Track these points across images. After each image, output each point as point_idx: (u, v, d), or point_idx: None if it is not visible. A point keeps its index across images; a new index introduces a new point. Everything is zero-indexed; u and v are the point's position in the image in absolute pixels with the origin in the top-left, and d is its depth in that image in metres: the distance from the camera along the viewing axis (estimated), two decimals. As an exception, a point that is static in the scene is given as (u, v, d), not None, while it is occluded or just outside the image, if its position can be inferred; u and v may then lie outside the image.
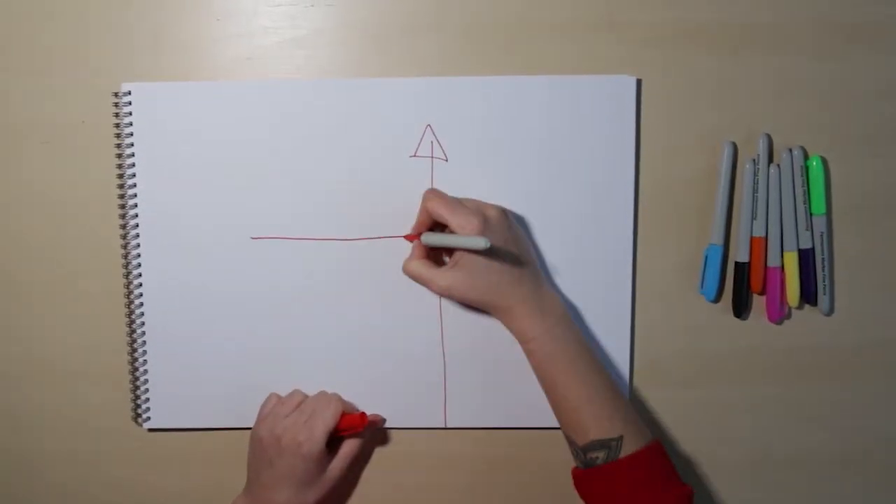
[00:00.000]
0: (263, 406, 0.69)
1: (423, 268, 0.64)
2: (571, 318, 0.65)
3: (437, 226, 0.65)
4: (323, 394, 0.69)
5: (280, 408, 0.67)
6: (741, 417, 0.71)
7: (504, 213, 0.64)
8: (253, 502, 0.66)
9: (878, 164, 0.69)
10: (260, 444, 0.66)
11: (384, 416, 0.71)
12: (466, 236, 0.60)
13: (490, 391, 0.70)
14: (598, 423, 0.60)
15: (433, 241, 0.64)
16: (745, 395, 0.71)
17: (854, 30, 0.67)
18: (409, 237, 0.67)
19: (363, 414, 0.68)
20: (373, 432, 0.71)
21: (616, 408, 0.61)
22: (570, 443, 0.63)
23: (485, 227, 0.61)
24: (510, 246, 0.63)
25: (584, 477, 0.62)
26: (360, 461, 0.71)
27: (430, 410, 0.70)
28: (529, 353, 0.64)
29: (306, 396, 0.69)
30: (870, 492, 0.73)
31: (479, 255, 0.61)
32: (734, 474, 0.72)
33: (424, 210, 0.64)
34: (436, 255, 0.67)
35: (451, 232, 0.62)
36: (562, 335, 0.63)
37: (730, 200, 0.68)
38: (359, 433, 0.68)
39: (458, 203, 0.63)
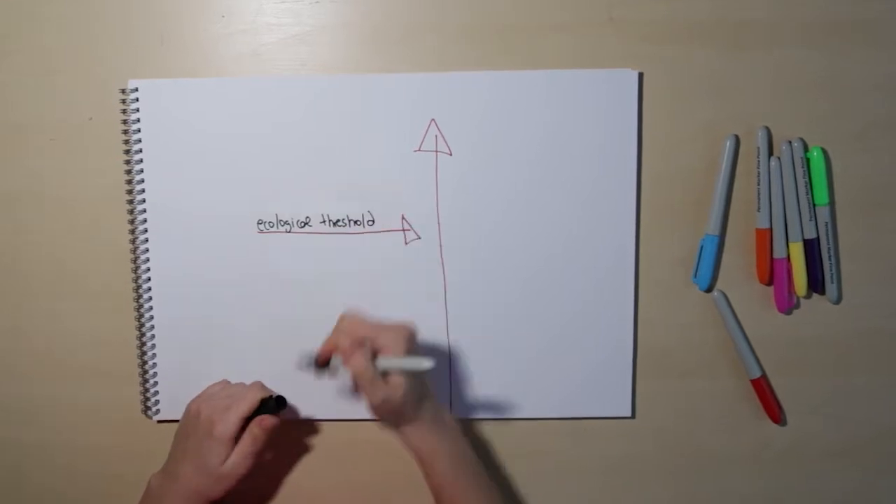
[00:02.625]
0: (209, 386, 0.70)
1: (371, 368, 0.61)
2: (464, 436, 0.65)
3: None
4: (254, 383, 0.69)
5: (214, 388, 0.69)
6: (749, 407, 0.72)
7: (414, 334, 0.64)
8: (164, 471, 0.67)
9: (878, 155, 0.69)
10: (185, 417, 0.68)
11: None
12: (412, 358, 0.61)
13: (495, 381, 0.71)
14: None
15: (386, 365, 0.62)
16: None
17: (851, 24, 0.68)
18: (320, 359, 0.65)
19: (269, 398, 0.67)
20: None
21: None
22: None
23: (409, 344, 0.62)
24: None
25: None
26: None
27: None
28: (425, 467, 0.64)
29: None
30: (878, 481, 0.73)
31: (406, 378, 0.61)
32: (739, 463, 0.72)
33: (337, 337, 0.63)
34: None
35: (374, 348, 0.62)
36: (463, 451, 0.64)
37: (728, 192, 0.69)
38: (270, 427, 0.66)
39: (378, 322, 0.63)
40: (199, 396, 0.68)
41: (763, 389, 0.71)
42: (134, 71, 0.69)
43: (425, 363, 0.60)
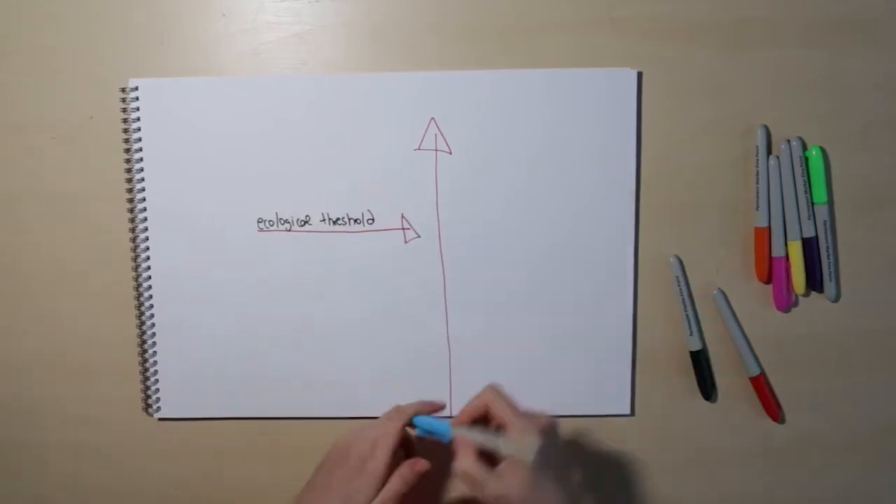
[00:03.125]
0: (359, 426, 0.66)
1: (480, 470, 0.60)
2: None
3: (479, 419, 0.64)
4: (392, 411, 0.66)
5: (365, 425, 0.65)
6: (748, 405, 0.72)
7: (556, 428, 0.62)
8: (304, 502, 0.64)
9: (877, 154, 0.69)
10: (333, 450, 0.64)
11: (390, 405, 0.71)
12: (526, 446, 0.59)
13: (495, 380, 0.71)
14: None
15: (487, 441, 0.61)
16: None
17: (850, 23, 0.68)
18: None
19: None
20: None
21: None
22: None
23: (543, 436, 0.60)
24: (553, 462, 0.61)
25: None
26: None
27: (435, 399, 0.71)
28: None
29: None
30: (877, 478, 0.73)
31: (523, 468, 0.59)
32: (739, 461, 0.73)
33: (482, 403, 0.63)
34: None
35: (496, 428, 0.62)
36: None
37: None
38: (422, 471, 0.63)
39: (514, 407, 0.62)
40: (348, 431, 0.64)
41: (762, 387, 0.71)
42: (134, 70, 0.69)
43: (529, 451, 0.57)
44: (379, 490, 0.61)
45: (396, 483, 0.61)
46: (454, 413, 0.71)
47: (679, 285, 0.70)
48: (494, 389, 0.64)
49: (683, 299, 0.70)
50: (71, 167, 0.70)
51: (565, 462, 0.62)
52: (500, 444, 0.60)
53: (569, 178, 0.68)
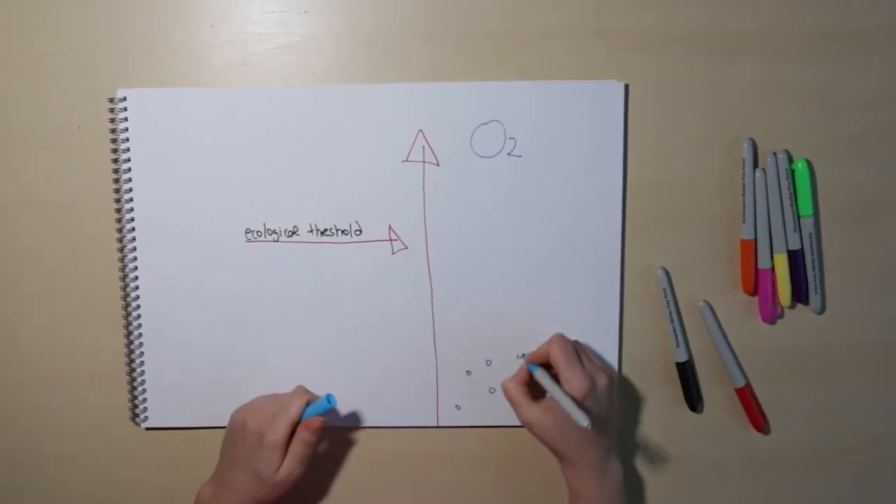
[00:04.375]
0: (255, 398, 0.70)
1: (520, 393, 0.66)
2: (623, 489, 0.67)
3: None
4: (297, 388, 0.70)
5: (260, 398, 0.70)
6: (733, 416, 0.72)
7: (612, 383, 0.66)
8: (215, 480, 0.68)
9: (862, 167, 0.69)
10: (231, 427, 0.68)
11: (378, 414, 0.72)
12: (574, 404, 0.61)
13: (482, 390, 0.71)
14: None
15: (542, 382, 0.65)
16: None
17: (837, 36, 0.68)
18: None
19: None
20: (351, 433, 0.73)
21: None
22: None
23: (590, 393, 0.63)
24: (602, 416, 0.65)
25: None
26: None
27: (423, 409, 0.72)
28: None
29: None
30: (859, 489, 0.74)
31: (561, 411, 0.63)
32: (724, 471, 0.73)
33: (546, 348, 0.66)
34: (533, 385, 0.67)
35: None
36: (612, 501, 0.66)
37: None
38: (318, 428, 0.67)
39: (575, 359, 0.65)
40: (243, 407, 0.69)
41: (747, 398, 0.71)
42: (122, 80, 0.69)
43: (583, 420, 0.60)
44: (283, 458, 0.65)
45: (298, 447, 0.66)
46: (440, 422, 0.72)
47: (666, 297, 0.70)
48: (559, 338, 0.67)
49: (670, 311, 0.70)
50: (59, 176, 0.70)
51: (608, 417, 0.66)
52: (550, 388, 0.64)
53: (556, 189, 0.69)
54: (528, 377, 0.67)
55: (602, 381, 0.65)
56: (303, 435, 0.66)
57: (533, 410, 0.65)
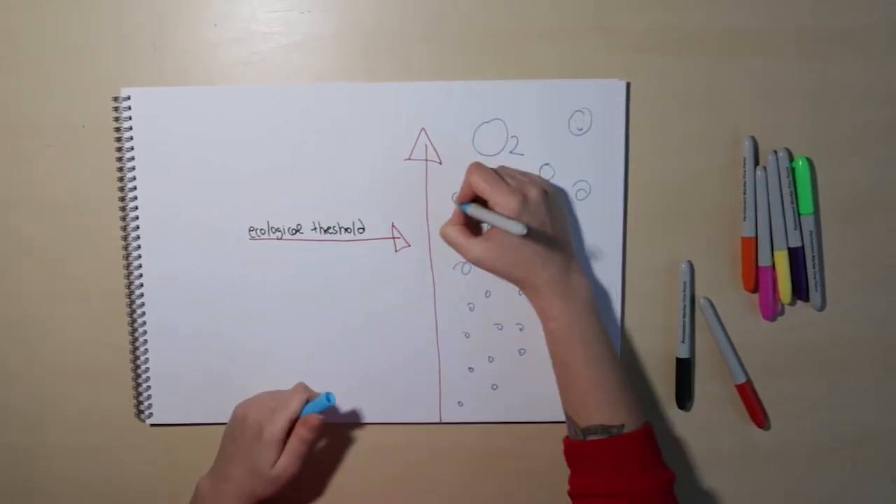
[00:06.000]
0: (257, 394, 0.71)
1: (459, 235, 0.65)
2: (595, 304, 0.66)
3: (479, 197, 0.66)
4: (297, 385, 0.71)
5: (262, 394, 0.70)
6: (734, 412, 0.73)
7: (545, 193, 0.64)
8: (213, 473, 0.68)
9: (863, 165, 0.70)
10: (232, 420, 0.69)
11: (380, 411, 0.72)
12: (505, 218, 0.60)
13: (484, 386, 0.72)
14: (602, 409, 0.62)
15: (473, 213, 0.64)
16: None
17: (836, 35, 0.68)
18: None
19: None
20: (351, 430, 0.73)
21: (622, 397, 0.63)
22: (570, 420, 0.64)
23: (523, 207, 0.62)
24: (545, 227, 0.63)
25: (575, 447, 0.64)
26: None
27: (425, 406, 0.72)
28: (548, 332, 0.65)
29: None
30: (861, 484, 0.74)
31: (504, 235, 0.62)
32: (725, 467, 0.74)
33: (467, 182, 0.65)
34: (473, 224, 0.68)
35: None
36: (582, 319, 0.64)
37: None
38: (316, 426, 0.67)
39: (498, 180, 0.63)
40: (245, 401, 0.70)
41: (748, 395, 0.72)
42: (126, 78, 0.69)
43: (517, 227, 0.58)
44: (279, 453, 0.66)
45: (295, 444, 0.66)
46: (443, 418, 0.72)
47: (685, 290, 0.70)
48: (476, 167, 0.65)
49: (685, 305, 0.70)
50: (64, 174, 0.70)
51: (554, 228, 0.64)
52: (483, 215, 0.63)
53: (557, 187, 0.69)
54: (464, 218, 0.66)
55: (532, 192, 0.63)
56: (300, 432, 0.66)
57: (476, 246, 0.64)
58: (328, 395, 0.68)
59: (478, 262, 0.65)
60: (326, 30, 0.69)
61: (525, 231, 0.57)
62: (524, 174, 0.67)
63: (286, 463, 0.66)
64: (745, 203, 0.69)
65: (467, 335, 0.71)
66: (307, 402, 0.68)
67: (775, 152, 0.68)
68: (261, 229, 0.70)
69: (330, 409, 0.69)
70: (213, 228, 0.70)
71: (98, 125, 0.69)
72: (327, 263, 0.70)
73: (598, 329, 0.65)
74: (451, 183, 0.69)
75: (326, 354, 0.71)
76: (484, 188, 0.63)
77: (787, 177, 0.68)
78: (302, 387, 0.70)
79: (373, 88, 0.68)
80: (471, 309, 0.70)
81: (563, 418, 0.66)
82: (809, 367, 0.72)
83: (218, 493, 0.67)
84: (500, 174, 0.64)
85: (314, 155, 0.69)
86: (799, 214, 0.69)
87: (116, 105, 0.69)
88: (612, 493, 0.61)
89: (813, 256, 0.70)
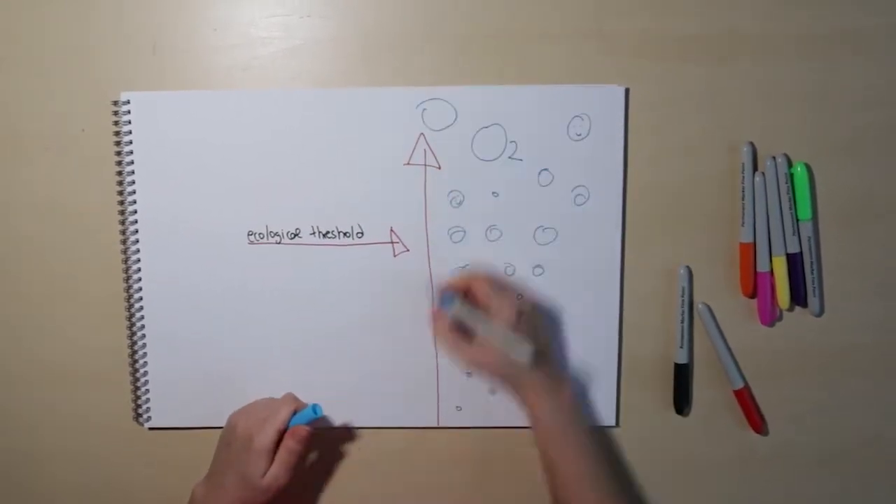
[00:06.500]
0: (253, 402, 0.71)
1: (457, 341, 0.66)
2: (579, 403, 0.68)
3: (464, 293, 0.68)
4: (286, 395, 0.71)
5: (256, 402, 0.70)
6: (732, 417, 0.73)
7: (535, 307, 0.69)
8: (208, 480, 0.69)
9: (861, 170, 0.70)
10: (225, 429, 0.69)
11: (379, 415, 0.72)
12: (514, 341, 0.63)
13: (482, 391, 0.72)
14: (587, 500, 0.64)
15: (473, 325, 0.66)
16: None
17: (836, 39, 0.68)
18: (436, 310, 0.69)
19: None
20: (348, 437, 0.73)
21: (608, 490, 0.64)
22: None
23: (518, 319, 0.64)
24: (535, 337, 0.65)
25: None
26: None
27: (424, 410, 0.72)
28: (536, 430, 0.66)
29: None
30: (858, 489, 0.74)
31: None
32: (722, 472, 0.74)
33: (466, 282, 0.68)
34: (461, 323, 0.68)
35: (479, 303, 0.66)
36: (565, 417, 0.66)
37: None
38: (305, 437, 0.67)
39: (499, 289, 0.66)
40: (238, 410, 0.70)
41: (746, 400, 0.72)
42: (126, 82, 0.69)
43: (525, 353, 0.62)
44: (269, 463, 0.66)
45: (284, 454, 0.66)
46: (441, 423, 0.72)
47: (683, 296, 0.70)
48: (482, 275, 0.68)
49: (683, 311, 0.71)
50: (63, 178, 0.70)
51: (542, 332, 0.68)
52: (480, 325, 0.65)
53: (556, 192, 0.69)
54: (450, 321, 0.67)
55: (525, 306, 0.66)
56: (288, 443, 0.66)
57: (476, 354, 0.65)
58: (315, 407, 0.68)
59: (477, 367, 0.67)
60: (325, 35, 0.69)
61: (531, 358, 0.62)
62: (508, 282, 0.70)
63: (276, 473, 0.65)
64: (743, 209, 0.69)
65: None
66: (295, 412, 0.68)
67: (774, 158, 0.68)
68: (260, 233, 0.70)
69: (327, 413, 0.68)
70: (212, 232, 0.70)
71: (97, 129, 0.69)
72: (326, 268, 0.70)
73: (581, 427, 0.66)
74: (449, 188, 0.69)
75: (325, 358, 0.71)
76: (487, 293, 0.65)
77: (786, 183, 0.68)
78: (291, 397, 0.70)
79: (372, 93, 0.68)
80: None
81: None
82: (807, 373, 0.72)
83: (212, 501, 0.67)
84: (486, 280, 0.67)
85: (313, 159, 0.69)
86: (797, 220, 0.69)
87: (116, 109, 0.69)
88: None
89: (811, 262, 0.70)
